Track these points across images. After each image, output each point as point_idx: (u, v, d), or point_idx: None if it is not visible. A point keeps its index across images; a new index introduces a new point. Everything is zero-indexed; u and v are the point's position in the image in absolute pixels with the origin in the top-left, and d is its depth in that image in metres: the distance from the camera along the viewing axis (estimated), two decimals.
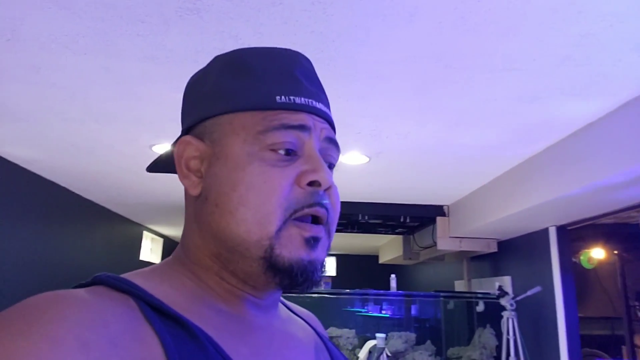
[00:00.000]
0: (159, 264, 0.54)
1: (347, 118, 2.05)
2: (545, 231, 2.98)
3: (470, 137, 2.23)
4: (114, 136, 2.35)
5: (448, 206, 3.74)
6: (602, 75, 1.61)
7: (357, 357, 3.48)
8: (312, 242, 0.48)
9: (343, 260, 7.72)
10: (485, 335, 3.45)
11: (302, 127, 0.51)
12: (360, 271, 7.43)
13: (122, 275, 0.47)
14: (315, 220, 0.50)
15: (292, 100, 0.51)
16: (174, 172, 0.57)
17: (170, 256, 0.55)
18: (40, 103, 1.95)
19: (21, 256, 3.13)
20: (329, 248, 0.53)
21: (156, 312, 0.43)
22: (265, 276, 0.48)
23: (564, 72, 1.59)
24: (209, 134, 0.52)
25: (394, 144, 2.37)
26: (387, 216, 3.88)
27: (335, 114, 1.99)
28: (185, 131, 0.55)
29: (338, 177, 3.07)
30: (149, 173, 0.64)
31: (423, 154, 2.52)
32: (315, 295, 3.91)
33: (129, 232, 5.18)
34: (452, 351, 3.60)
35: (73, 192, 3.73)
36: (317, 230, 0.49)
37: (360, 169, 2.79)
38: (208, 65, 0.57)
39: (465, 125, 2.09)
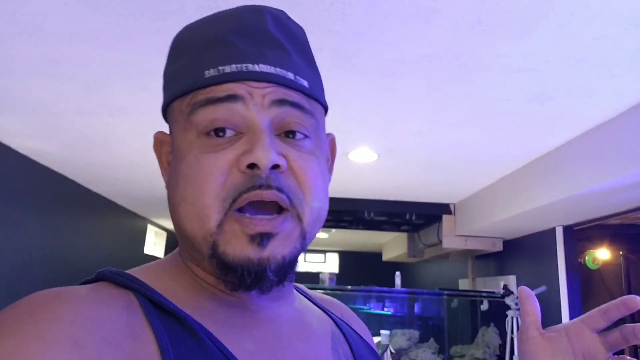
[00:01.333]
0: (167, 256, 0.51)
1: (359, 115, 2.07)
2: (552, 231, 3.00)
3: (480, 136, 2.25)
4: (126, 130, 2.37)
5: (454, 204, 3.76)
6: (615, 77, 1.62)
7: None
8: (259, 238, 0.42)
9: (346, 257, 7.75)
10: (489, 334, 3.47)
11: (230, 98, 0.43)
12: (363, 268, 7.46)
13: (128, 271, 0.45)
14: (265, 205, 0.43)
15: (221, 71, 0.44)
16: None
17: (177, 248, 0.52)
18: (56, 96, 1.97)
19: (30, 248, 3.16)
20: (305, 235, 0.45)
21: (156, 307, 0.41)
22: (217, 275, 0.44)
23: (577, 73, 1.60)
24: (169, 124, 0.49)
25: (403, 141, 2.38)
26: (392, 213, 3.90)
27: (347, 111, 2.03)
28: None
29: (346, 174, 3.11)
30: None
31: (432, 152, 2.54)
32: (319, 291, 3.94)
33: (133, 225, 5.21)
34: (455, 349, 3.63)
35: (81, 185, 3.76)
36: (265, 224, 0.42)
37: (369, 166, 2.81)
38: None
39: (475, 124, 2.11)
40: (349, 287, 3.99)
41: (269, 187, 0.42)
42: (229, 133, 0.43)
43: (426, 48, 1.50)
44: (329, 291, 3.96)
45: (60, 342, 0.34)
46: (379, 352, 3.16)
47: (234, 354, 0.41)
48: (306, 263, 7.79)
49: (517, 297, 3.12)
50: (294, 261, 0.45)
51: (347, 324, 0.57)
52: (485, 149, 2.44)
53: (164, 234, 6.29)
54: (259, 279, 0.42)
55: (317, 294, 0.63)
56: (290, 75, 0.46)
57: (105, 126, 2.33)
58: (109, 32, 1.45)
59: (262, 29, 0.47)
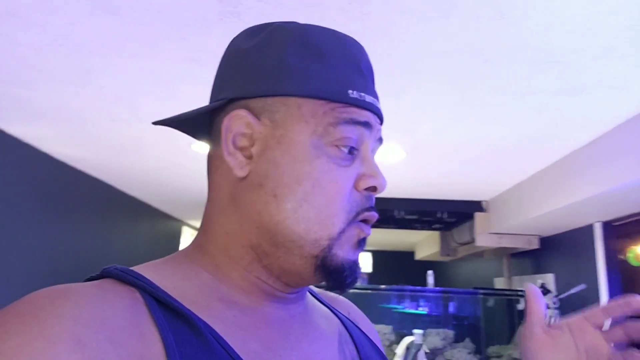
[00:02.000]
0: (176, 253, 0.51)
1: (383, 113, 2.05)
2: (589, 227, 2.88)
3: (510, 130, 2.19)
4: (157, 135, 2.44)
5: (487, 201, 3.68)
6: None
7: (395, 353, 3.48)
8: (363, 243, 0.49)
9: (379, 257, 7.70)
10: None
11: (366, 125, 0.48)
12: (396, 267, 7.39)
13: (134, 267, 0.45)
14: (366, 222, 0.49)
15: (362, 98, 0.48)
16: (183, 130, 0.53)
17: (190, 244, 0.51)
18: (89, 104, 2.05)
19: (69, 250, 3.30)
20: None
21: (162, 305, 0.41)
22: (314, 274, 0.46)
23: (607, 64, 1.54)
24: (270, 113, 0.47)
25: (430, 139, 2.35)
26: (423, 212, 3.85)
27: None
28: (228, 100, 0.49)
29: None
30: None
31: (461, 149, 2.49)
32: (351, 290, 3.92)
33: (169, 227, 5.35)
34: (492, 349, 3.55)
35: (118, 189, 3.89)
36: (369, 230, 0.49)
37: (397, 164, 2.79)
38: (264, 33, 0.50)
39: (504, 119, 2.06)
40: (382, 286, 3.96)
41: (374, 208, 0.49)
42: (351, 151, 0.49)
43: (447, 44, 1.47)
44: (361, 290, 3.94)
45: (64, 341, 0.34)
46: (412, 351, 3.13)
47: (239, 354, 0.41)
48: None
49: (555, 296, 3.03)
50: None
51: (353, 323, 0.58)
52: (517, 144, 2.37)
53: None
54: (355, 277, 0.48)
55: (324, 291, 0.64)
56: None
57: (136, 132, 2.40)
58: (134, 41, 1.50)
59: (372, 70, 0.53)
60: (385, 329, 3.67)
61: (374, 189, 0.48)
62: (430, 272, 3.86)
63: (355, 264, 0.48)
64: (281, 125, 0.47)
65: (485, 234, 3.61)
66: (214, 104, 0.49)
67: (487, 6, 1.28)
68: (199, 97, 1.92)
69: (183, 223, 5.78)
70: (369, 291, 3.96)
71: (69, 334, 0.34)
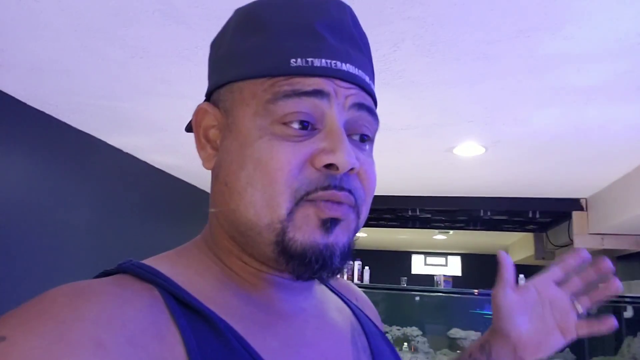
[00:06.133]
0: (187, 244, 0.51)
1: (456, 105, 1.96)
2: None
3: (607, 116, 1.98)
4: None
5: (586, 199, 3.35)
6: None
7: None
8: (328, 224, 0.43)
9: (468, 260, 7.36)
10: (635, 345, 3.01)
11: (317, 93, 0.43)
12: (487, 271, 7.00)
13: (148, 260, 0.45)
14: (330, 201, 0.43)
15: (310, 63, 0.43)
16: None
17: (199, 235, 0.51)
18: (173, 113, 2.20)
19: (165, 249, 3.55)
20: (357, 230, 0.47)
21: (181, 304, 0.40)
22: (278, 262, 0.43)
23: None
24: (223, 102, 0.47)
25: (512, 131, 2.19)
26: (512, 212, 3.61)
27: (442, 101, 1.93)
28: (207, 97, 0.50)
29: (452, 170, 2.95)
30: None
31: (549, 141, 2.29)
32: (436, 294, 3.78)
33: None
34: None
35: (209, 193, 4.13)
36: (336, 210, 0.43)
37: (476, 160, 2.64)
38: (227, 21, 0.50)
39: (598, 103, 1.86)
40: (475, 290, 3.76)
41: (342, 188, 0.43)
42: (303, 125, 0.43)
43: (518, 22, 1.36)
44: (447, 294, 3.78)
45: (84, 345, 0.33)
46: None
47: (260, 354, 0.40)
48: (426, 266, 7.55)
49: None
50: (351, 250, 0.46)
51: (361, 311, 0.58)
52: (617, 132, 2.13)
53: None
54: (325, 264, 0.43)
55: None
56: (367, 79, 0.47)
57: None
58: (204, 49, 1.57)
59: (346, 26, 0.46)
60: (474, 336, 3.49)
61: (333, 167, 0.42)
62: (521, 277, 3.59)
63: (326, 249, 0.42)
64: (230, 113, 0.46)
65: (584, 235, 3.30)
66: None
67: None
68: None
69: None
70: (457, 295, 3.78)
71: (89, 337, 0.34)
